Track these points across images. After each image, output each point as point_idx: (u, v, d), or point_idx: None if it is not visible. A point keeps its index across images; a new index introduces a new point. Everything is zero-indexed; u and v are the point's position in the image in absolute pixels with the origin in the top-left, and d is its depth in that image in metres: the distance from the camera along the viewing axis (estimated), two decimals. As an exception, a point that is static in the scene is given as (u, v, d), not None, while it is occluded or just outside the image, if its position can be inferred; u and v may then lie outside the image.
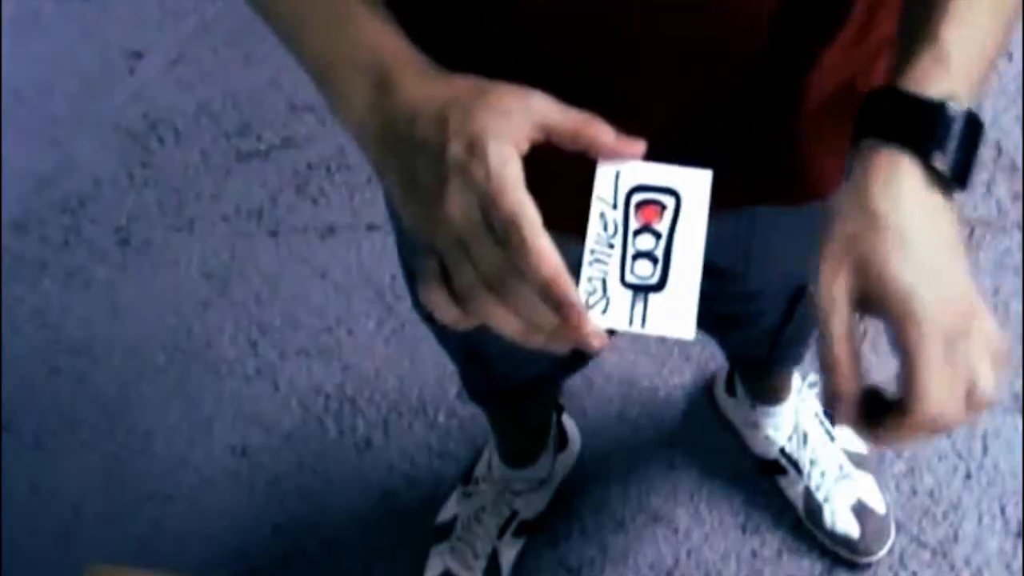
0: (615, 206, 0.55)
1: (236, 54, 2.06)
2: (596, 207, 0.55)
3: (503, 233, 0.50)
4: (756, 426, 1.51)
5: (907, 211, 0.55)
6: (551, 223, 0.51)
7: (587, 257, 0.55)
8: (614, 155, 0.54)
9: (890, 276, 0.54)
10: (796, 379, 1.49)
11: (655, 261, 0.54)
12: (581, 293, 0.54)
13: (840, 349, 0.55)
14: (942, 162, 0.55)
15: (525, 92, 0.53)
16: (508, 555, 1.51)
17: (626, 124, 0.55)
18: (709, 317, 1.13)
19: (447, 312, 0.53)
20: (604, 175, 0.55)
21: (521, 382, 1.22)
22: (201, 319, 1.82)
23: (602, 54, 0.64)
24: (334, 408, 1.71)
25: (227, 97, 2.04)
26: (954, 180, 0.56)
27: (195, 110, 2.03)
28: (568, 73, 0.60)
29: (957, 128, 0.56)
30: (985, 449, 1.53)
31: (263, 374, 1.76)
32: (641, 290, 0.54)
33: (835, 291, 0.55)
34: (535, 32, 0.63)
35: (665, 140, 0.56)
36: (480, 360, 1.14)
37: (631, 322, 0.54)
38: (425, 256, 0.54)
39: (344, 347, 1.75)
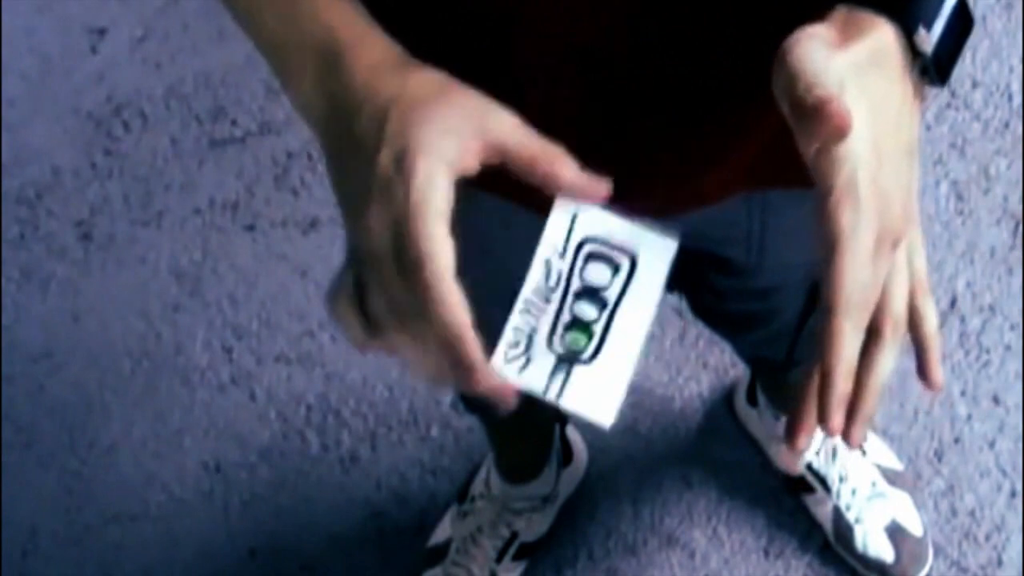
0: (563, 254, 0.53)
1: (209, 30, 2.07)
2: (542, 251, 0.53)
3: (410, 269, 0.49)
4: (780, 439, 1.51)
5: (875, 82, 0.50)
6: (524, 200, 0.51)
7: (519, 305, 0.53)
8: (573, 193, 0.52)
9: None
10: (824, 388, 1.49)
11: (590, 336, 0.53)
12: (503, 343, 0.53)
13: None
14: (926, 42, 0.52)
15: (484, 107, 0.52)
16: (508, 581, 1.52)
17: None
18: (724, 318, 1.15)
19: (351, 332, 0.52)
20: (559, 216, 0.53)
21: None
22: (170, 322, 1.82)
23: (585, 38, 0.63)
24: (316, 420, 1.71)
25: (199, 78, 2.04)
26: (935, 70, 0.53)
27: (164, 92, 2.04)
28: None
29: (948, 6, 0.53)
30: (1032, 465, 1.54)
31: (238, 383, 1.76)
32: (567, 359, 0.53)
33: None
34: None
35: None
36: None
37: (546, 391, 0.53)
38: (348, 263, 0.53)
39: (327, 353, 1.75)
